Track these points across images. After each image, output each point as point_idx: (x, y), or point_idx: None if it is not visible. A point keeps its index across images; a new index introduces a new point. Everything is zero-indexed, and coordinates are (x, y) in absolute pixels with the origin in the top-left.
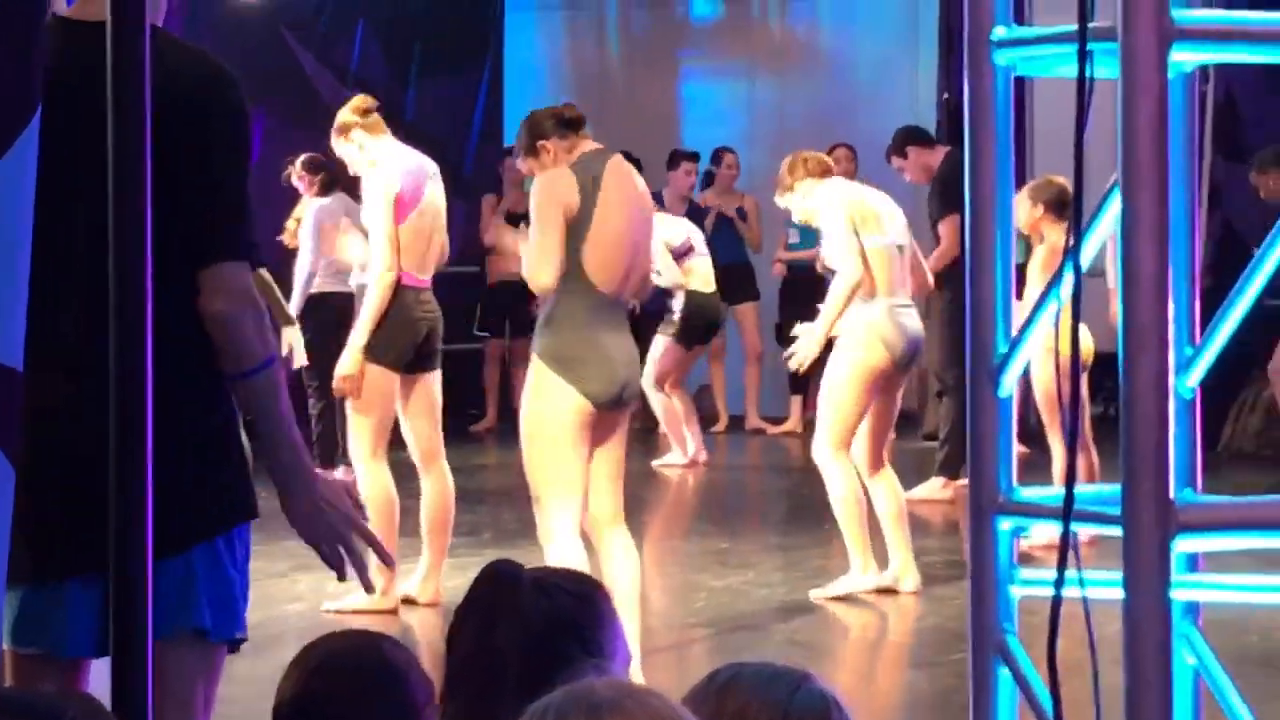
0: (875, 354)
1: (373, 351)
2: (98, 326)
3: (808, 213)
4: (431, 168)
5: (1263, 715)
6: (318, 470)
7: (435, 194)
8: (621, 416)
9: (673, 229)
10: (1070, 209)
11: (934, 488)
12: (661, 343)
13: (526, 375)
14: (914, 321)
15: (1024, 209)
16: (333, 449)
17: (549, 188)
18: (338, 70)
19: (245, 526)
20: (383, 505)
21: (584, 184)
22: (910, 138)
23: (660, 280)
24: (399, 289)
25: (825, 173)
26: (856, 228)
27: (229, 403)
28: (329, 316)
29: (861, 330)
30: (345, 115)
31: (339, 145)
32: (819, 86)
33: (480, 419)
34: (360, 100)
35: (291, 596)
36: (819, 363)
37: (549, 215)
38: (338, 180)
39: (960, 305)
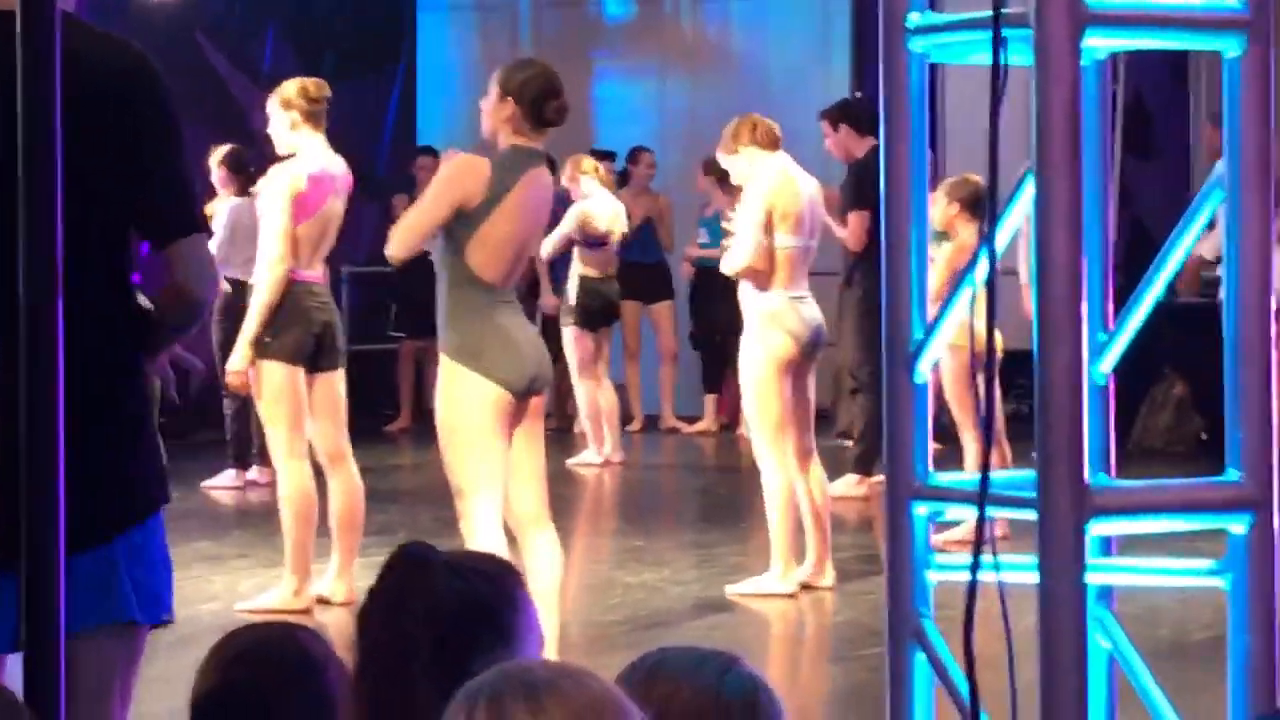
0: (779, 343)
1: (270, 348)
2: (5, 319)
3: (743, 177)
4: (343, 183)
5: (1176, 707)
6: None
7: (337, 206)
8: (536, 407)
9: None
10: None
11: (849, 484)
12: (568, 333)
13: (438, 374)
14: (812, 309)
15: (939, 207)
16: (246, 448)
17: (458, 174)
18: (251, 72)
19: (159, 515)
20: (300, 504)
21: (494, 184)
22: (847, 116)
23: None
24: (290, 283)
25: (774, 144)
26: (773, 225)
27: (143, 392)
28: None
29: (762, 322)
30: (294, 91)
31: (275, 112)
32: (731, 87)
33: (394, 419)
34: (319, 87)
35: (206, 596)
36: (730, 364)
37: (440, 197)
38: (253, 183)
39: (872, 302)
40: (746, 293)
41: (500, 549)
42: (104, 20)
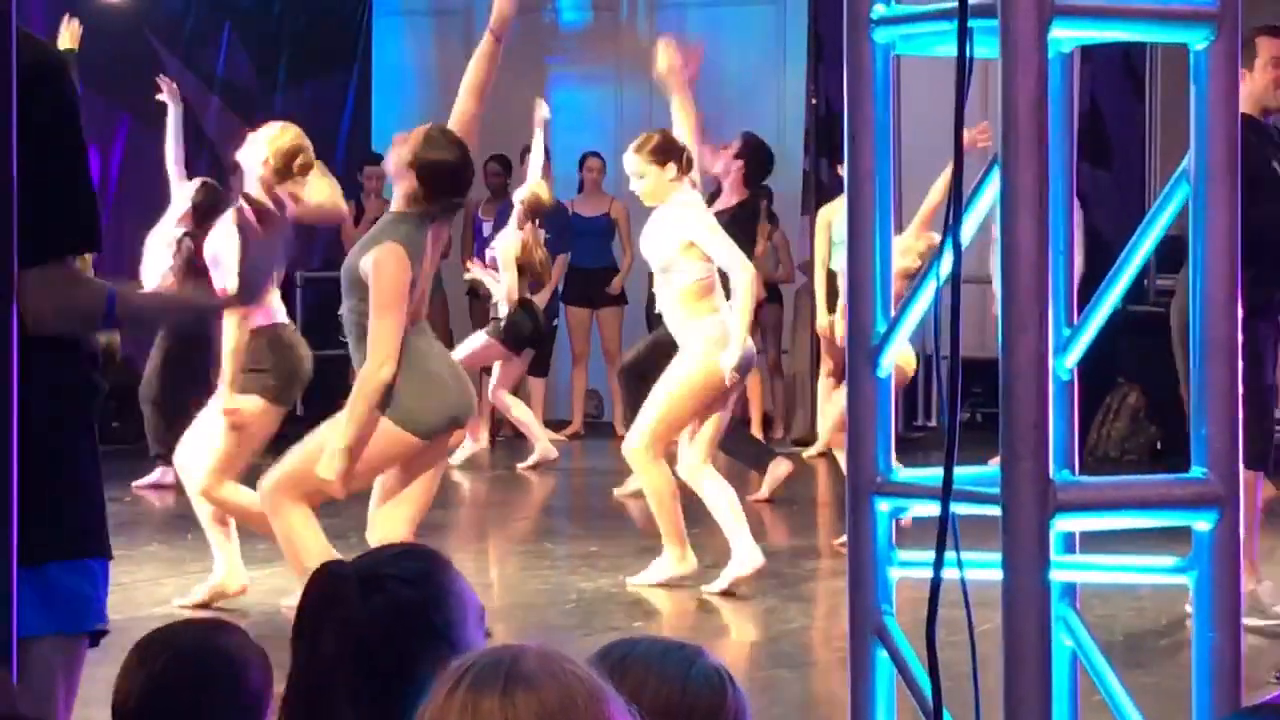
0: (715, 370)
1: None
2: None
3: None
4: None
5: (1139, 706)
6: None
7: None
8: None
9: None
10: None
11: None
12: (482, 338)
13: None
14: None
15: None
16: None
17: (401, 271)
18: (203, 74)
19: (101, 562)
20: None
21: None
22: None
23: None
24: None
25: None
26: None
27: (77, 438)
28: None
29: (702, 345)
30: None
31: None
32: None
33: None
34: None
35: (156, 600)
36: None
37: (399, 300)
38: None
39: None
40: (682, 316)
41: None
42: (57, 19)
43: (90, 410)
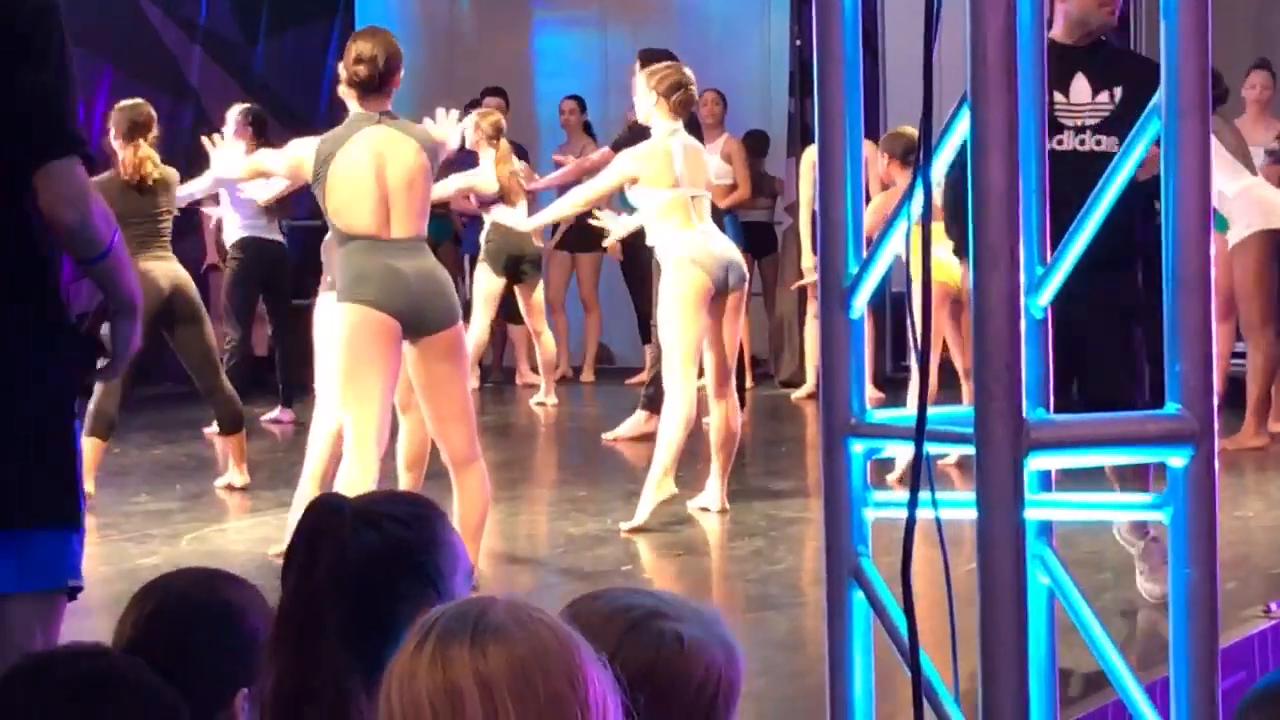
0: (689, 276)
1: None
2: None
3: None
4: None
5: (1118, 645)
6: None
7: None
8: (440, 346)
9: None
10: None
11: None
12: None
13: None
14: (721, 243)
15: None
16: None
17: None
18: (185, 24)
19: (65, 531)
20: None
21: (321, 154)
22: None
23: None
24: None
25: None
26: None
27: (49, 402)
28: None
29: (673, 261)
30: None
31: None
32: (671, 37)
33: None
34: None
35: (145, 551)
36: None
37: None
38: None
39: None
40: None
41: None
42: None
43: (74, 380)
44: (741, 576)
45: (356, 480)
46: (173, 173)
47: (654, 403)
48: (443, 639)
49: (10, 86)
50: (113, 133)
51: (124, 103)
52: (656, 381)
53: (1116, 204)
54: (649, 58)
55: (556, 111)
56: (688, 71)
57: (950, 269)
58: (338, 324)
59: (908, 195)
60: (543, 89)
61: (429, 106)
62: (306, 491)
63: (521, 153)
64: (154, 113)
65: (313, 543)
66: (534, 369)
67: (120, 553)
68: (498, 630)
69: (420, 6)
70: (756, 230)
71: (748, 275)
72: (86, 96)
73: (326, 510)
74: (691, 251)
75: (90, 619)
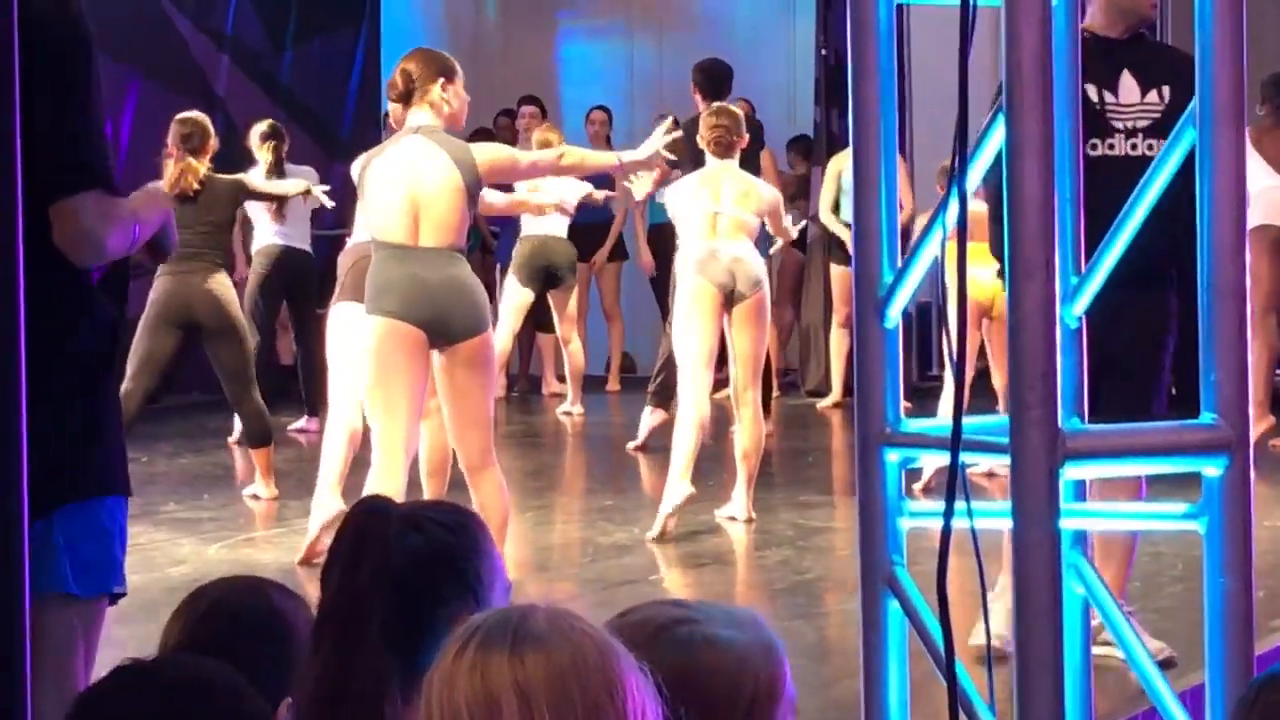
0: (694, 283)
1: None
2: None
3: None
4: None
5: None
6: None
7: None
8: (465, 353)
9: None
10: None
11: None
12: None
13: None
14: (731, 251)
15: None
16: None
17: None
18: (213, 34)
19: (109, 499)
20: None
21: (362, 165)
22: None
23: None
24: None
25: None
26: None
27: (82, 372)
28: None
29: (682, 269)
30: None
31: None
32: (697, 45)
33: None
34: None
35: (173, 560)
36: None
37: None
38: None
39: None
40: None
41: (400, 476)
42: None
43: (112, 350)
44: (769, 586)
45: (384, 489)
46: (228, 182)
47: (659, 397)
48: (483, 646)
49: (29, 116)
50: (169, 142)
51: (180, 115)
52: (661, 377)
53: (1151, 216)
54: (704, 78)
55: (582, 121)
56: (735, 112)
57: (983, 285)
58: (365, 335)
59: (943, 205)
60: (568, 97)
61: None
62: (325, 499)
63: None
64: (209, 126)
65: (358, 543)
66: (560, 378)
67: (148, 561)
68: (538, 639)
69: (446, 15)
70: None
71: (763, 281)
72: (115, 108)
73: (372, 512)
74: (698, 258)
75: (122, 626)
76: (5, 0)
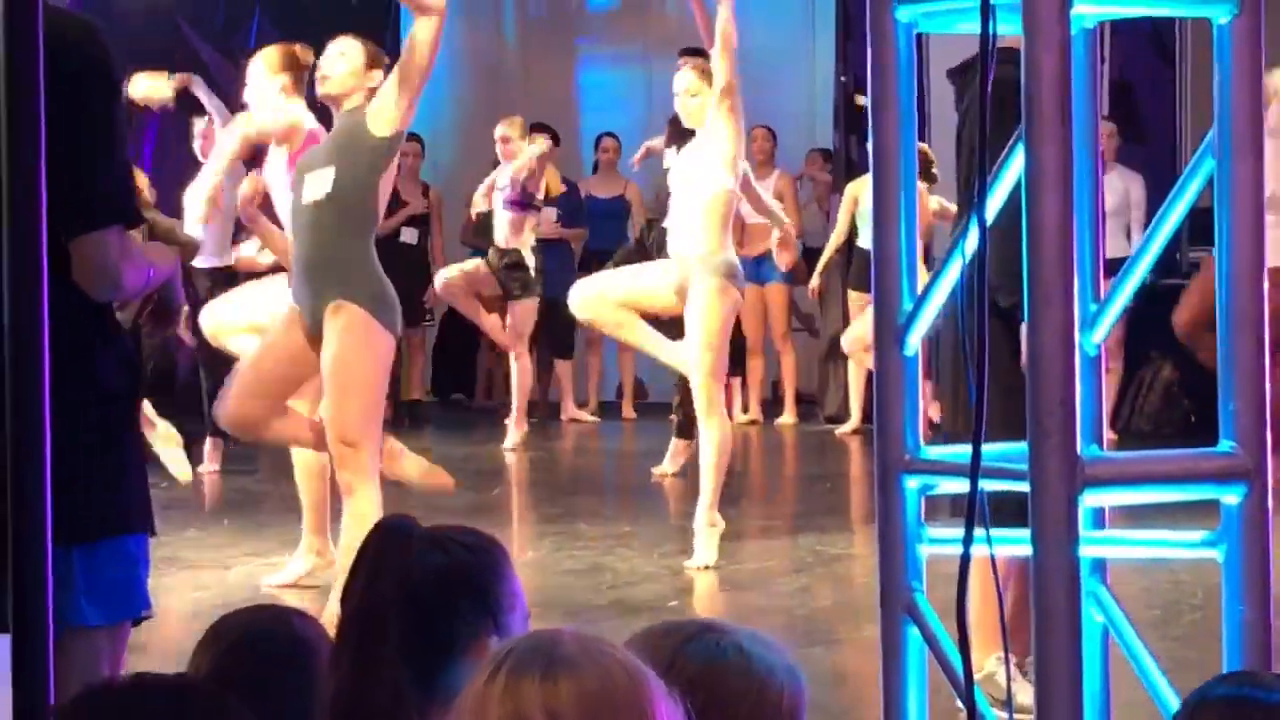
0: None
1: None
2: None
3: None
4: None
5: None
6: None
7: None
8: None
9: None
10: (931, 173)
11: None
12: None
13: (356, 331)
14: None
15: None
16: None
17: None
18: (235, 60)
19: (139, 539)
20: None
21: None
22: None
23: None
24: None
25: None
26: None
27: (111, 413)
28: None
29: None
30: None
31: (260, 78)
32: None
33: None
34: (305, 52)
35: (195, 585)
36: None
37: None
38: None
39: None
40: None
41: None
42: (89, 6)
43: (135, 385)
44: (787, 612)
45: (374, 512)
46: None
47: (683, 429)
48: (514, 671)
49: (53, 151)
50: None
51: None
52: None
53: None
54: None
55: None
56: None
57: None
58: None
59: (962, 234)
60: (587, 124)
61: (474, 140)
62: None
63: (570, 185)
64: None
65: (379, 559)
66: (582, 404)
67: (169, 585)
68: (569, 664)
69: (466, 41)
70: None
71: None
72: (135, 136)
73: (394, 530)
74: None
75: (142, 653)
76: (33, 35)
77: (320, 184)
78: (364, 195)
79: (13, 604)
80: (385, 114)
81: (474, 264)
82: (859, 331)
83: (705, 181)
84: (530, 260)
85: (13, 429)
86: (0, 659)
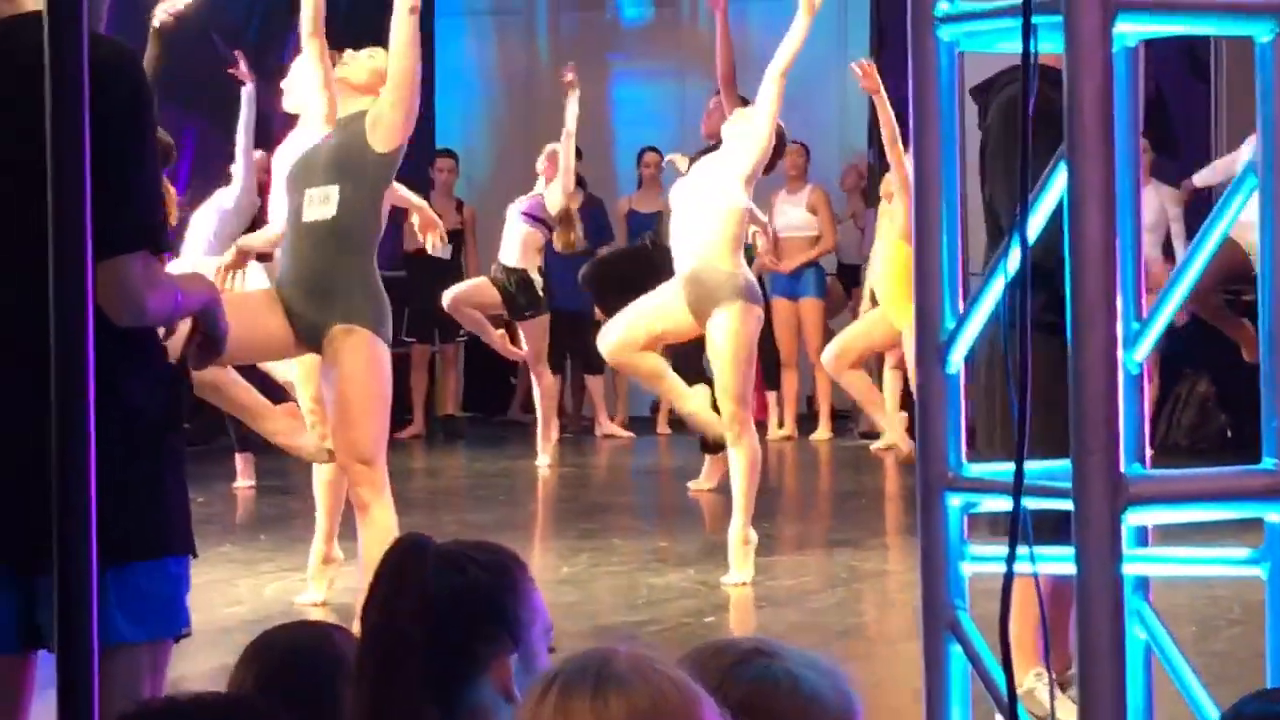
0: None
1: None
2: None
3: None
4: None
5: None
6: None
7: None
8: None
9: None
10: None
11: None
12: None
13: (365, 353)
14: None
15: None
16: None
17: None
18: (269, 77)
19: (179, 560)
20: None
21: None
22: None
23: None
24: None
25: None
26: None
27: (145, 437)
28: None
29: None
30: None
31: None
32: (747, 87)
33: (408, 425)
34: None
35: (231, 600)
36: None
37: None
38: None
39: None
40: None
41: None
42: (121, 22)
43: (180, 404)
44: (824, 628)
45: (392, 525)
46: None
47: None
48: (565, 690)
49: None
50: None
51: None
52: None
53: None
54: None
55: (633, 162)
56: None
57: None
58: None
59: (1004, 252)
60: (621, 140)
61: (508, 156)
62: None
63: (596, 201)
64: None
65: (396, 579)
66: (611, 418)
67: (205, 601)
68: (620, 681)
69: (499, 58)
70: (852, 271)
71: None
72: (175, 145)
73: (411, 549)
74: None
75: (179, 667)
76: (76, 59)
77: (324, 205)
78: (368, 214)
79: (58, 624)
80: (384, 129)
81: (481, 280)
82: (836, 349)
83: (721, 197)
84: (538, 280)
85: (58, 449)
86: (46, 678)
